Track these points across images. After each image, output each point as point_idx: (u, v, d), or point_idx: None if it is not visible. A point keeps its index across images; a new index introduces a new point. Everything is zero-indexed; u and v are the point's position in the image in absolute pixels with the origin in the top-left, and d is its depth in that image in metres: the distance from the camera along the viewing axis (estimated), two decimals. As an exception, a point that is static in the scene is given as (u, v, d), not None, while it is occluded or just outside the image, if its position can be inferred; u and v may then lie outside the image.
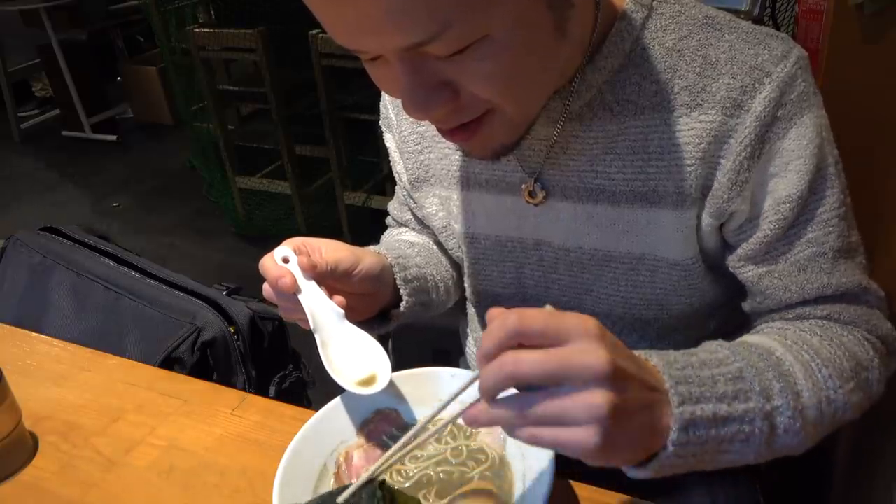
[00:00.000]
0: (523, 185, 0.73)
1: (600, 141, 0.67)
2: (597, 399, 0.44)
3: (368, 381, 0.65)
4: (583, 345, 0.45)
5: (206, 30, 2.58)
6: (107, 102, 4.21)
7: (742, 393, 0.53)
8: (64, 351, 0.93)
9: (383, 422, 0.70)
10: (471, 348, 0.93)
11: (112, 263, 1.11)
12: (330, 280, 0.69)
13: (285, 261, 0.68)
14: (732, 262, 0.70)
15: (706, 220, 0.67)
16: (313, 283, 0.67)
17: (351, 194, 2.68)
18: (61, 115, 4.21)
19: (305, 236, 0.71)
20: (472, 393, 0.71)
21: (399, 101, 0.82)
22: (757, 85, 0.62)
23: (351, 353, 0.67)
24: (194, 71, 2.67)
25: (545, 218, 0.73)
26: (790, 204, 0.64)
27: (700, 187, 0.65)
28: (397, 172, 0.88)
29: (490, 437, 0.68)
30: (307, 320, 0.67)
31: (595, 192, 0.69)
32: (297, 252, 0.69)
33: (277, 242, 0.69)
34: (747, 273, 0.69)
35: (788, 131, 0.63)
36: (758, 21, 1.31)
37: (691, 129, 0.64)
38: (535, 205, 0.73)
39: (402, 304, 0.77)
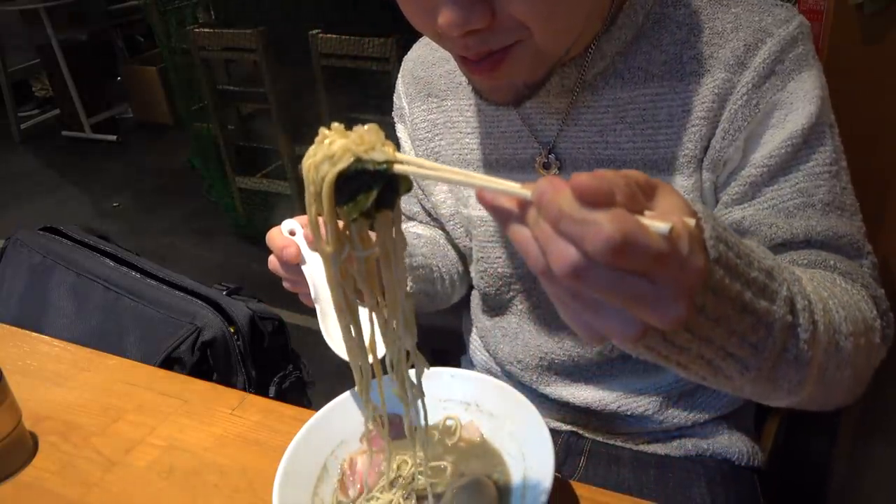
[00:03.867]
0: (537, 158, 0.74)
1: (610, 111, 0.70)
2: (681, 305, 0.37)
3: None
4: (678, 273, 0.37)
5: (206, 30, 2.58)
6: (107, 102, 4.21)
7: (770, 291, 0.45)
8: (64, 351, 0.93)
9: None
10: (474, 343, 0.93)
11: (112, 263, 1.11)
12: None
13: (292, 234, 0.69)
14: (718, 209, 0.70)
15: (705, 176, 0.68)
16: (316, 255, 0.68)
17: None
18: (61, 115, 4.21)
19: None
20: (473, 392, 0.71)
21: (412, 91, 0.85)
22: (759, 44, 0.65)
23: None
24: (194, 71, 2.67)
25: None
26: (782, 143, 0.65)
27: (704, 148, 0.67)
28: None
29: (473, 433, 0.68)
30: (309, 295, 0.68)
31: (605, 162, 0.71)
32: (304, 224, 0.70)
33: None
34: (734, 215, 0.67)
35: (787, 84, 0.65)
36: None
37: (699, 94, 0.66)
38: (552, 174, 0.73)
39: (409, 285, 0.77)
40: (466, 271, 0.92)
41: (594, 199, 0.34)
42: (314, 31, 2.35)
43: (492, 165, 0.78)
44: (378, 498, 0.63)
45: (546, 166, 0.73)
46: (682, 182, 0.69)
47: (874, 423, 0.81)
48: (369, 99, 2.49)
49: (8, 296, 1.15)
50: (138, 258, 1.14)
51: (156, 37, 2.81)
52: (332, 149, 0.42)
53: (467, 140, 0.80)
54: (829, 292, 0.54)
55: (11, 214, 3.35)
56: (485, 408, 0.69)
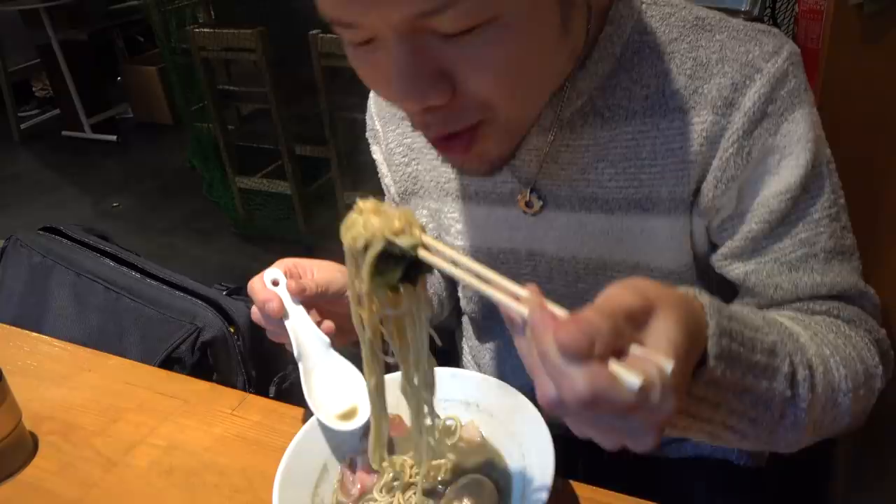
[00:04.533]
0: (519, 196, 0.71)
1: (591, 149, 0.66)
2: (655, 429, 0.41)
3: (349, 414, 0.66)
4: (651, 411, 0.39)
5: (206, 30, 2.57)
6: (107, 102, 4.21)
7: (771, 369, 0.49)
8: (64, 351, 0.93)
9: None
10: (466, 357, 0.93)
11: (112, 263, 1.11)
12: (320, 302, 0.68)
13: (275, 283, 0.67)
14: (718, 260, 0.68)
15: (695, 220, 0.66)
16: (301, 309, 0.67)
17: (351, 194, 2.68)
18: (61, 115, 4.21)
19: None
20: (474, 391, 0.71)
21: (385, 113, 0.80)
22: (747, 81, 0.60)
23: (333, 385, 0.67)
24: (194, 71, 2.67)
25: (538, 228, 0.72)
26: (779, 199, 0.62)
27: (692, 191, 0.64)
28: (385, 185, 0.86)
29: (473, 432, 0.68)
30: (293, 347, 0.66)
31: (588, 200, 0.68)
32: (288, 274, 0.68)
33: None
34: (734, 271, 0.67)
35: (779, 127, 0.61)
36: (757, 21, 1.31)
37: (684, 132, 0.62)
38: (533, 214, 0.71)
39: None
40: (453, 288, 0.91)
41: (573, 354, 0.37)
42: (314, 31, 2.35)
43: (471, 197, 0.74)
44: (378, 499, 0.63)
45: (529, 204, 0.70)
46: (670, 223, 0.66)
47: (875, 423, 0.81)
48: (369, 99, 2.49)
49: (8, 296, 1.15)
50: (138, 258, 1.14)
51: (156, 37, 2.81)
52: (369, 229, 0.48)
53: (444, 168, 0.76)
54: (831, 348, 0.57)
55: (11, 214, 3.35)
56: (485, 408, 0.69)
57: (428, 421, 0.57)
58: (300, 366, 0.66)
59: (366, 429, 0.69)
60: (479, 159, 0.59)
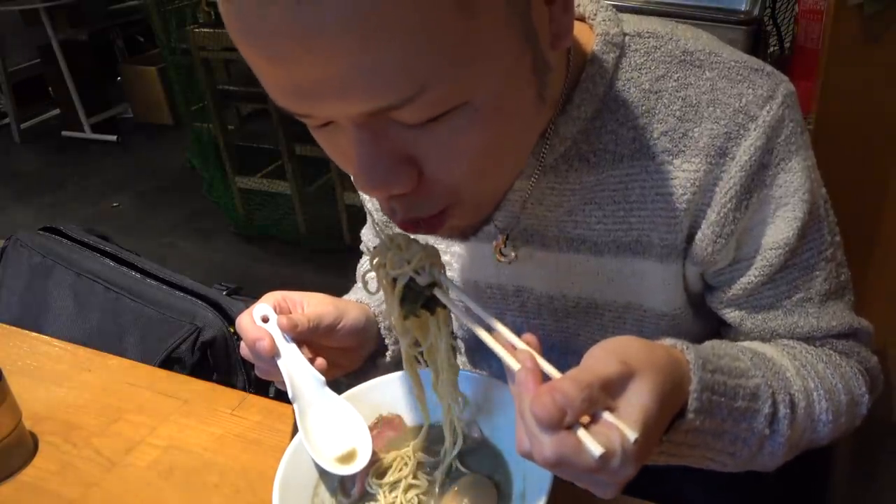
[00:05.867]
0: (494, 243, 0.67)
1: (578, 192, 0.62)
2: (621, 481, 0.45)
3: (348, 457, 0.63)
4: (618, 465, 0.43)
5: (206, 30, 2.57)
6: (107, 102, 4.20)
7: (751, 412, 0.53)
8: (64, 351, 0.93)
9: (386, 427, 0.69)
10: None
11: (112, 263, 1.11)
12: (312, 336, 0.66)
13: (265, 320, 0.65)
14: (714, 303, 0.68)
15: (690, 267, 0.64)
16: (293, 346, 0.64)
17: (351, 194, 2.67)
18: (61, 115, 4.21)
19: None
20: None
21: None
22: (742, 131, 0.57)
23: (330, 425, 0.65)
24: (194, 71, 2.67)
25: (524, 266, 0.69)
26: (778, 251, 0.61)
27: (685, 238, 0.62)
28: (368, 210, 0.83)
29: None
30: (285, 384, 0.64)
31: (576, 241, 0.65)
32: (277, 309, 0.65)
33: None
34: (731, 315, 0.67)
35: (776, 178, 0.59)
36: (757, 21, 1.31)
37: (674, 177, 0.60)
38: (509, 263, 0.67)
39: (388, 353, 0.75)
40: None
41: (545, 425, 0.42)
42: (314, 31, 2.34)
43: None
44: (378, 498, 0.63)
45: (503, 253, 0.66)
46: (662, 268, 0.64)
47: (875, 423, 0.81)
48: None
49: (8, 296, 1.15)
50: (138, 258, 1.14)
51: (156, 37, 2.81)
52: (395, 264, 0.54)
53: None
54: (816, 381, 0.61)
55: (11, 214, 3.35)
56: (485, 407, 0.69)
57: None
58: (295, 406, 0.64)
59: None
60: (450, 231, 0.55)
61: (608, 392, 0.44)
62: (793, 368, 0.60)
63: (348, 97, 0.40)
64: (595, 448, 0.41)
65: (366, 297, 0.76)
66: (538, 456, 0.43)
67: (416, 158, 0.46)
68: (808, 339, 0.66)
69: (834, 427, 0.60)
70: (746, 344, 0.65)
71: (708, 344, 0.57)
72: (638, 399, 0.44)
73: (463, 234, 0.58)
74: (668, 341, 0.52)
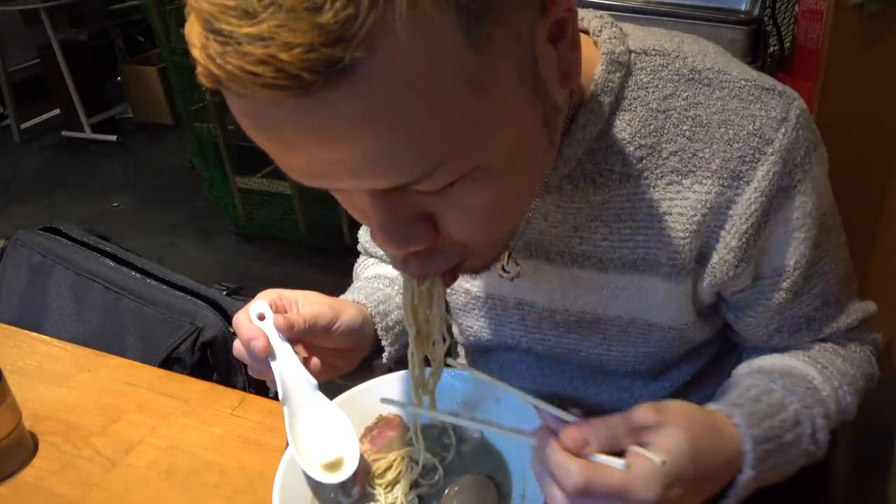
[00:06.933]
0: (497, 263, 0.66)
1: (584, 210, 0.62)
2: None
3: (334, 465, 0.63)
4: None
5: (206, 30, 2.57)
6: (107, 102, 4.20)
7: (797, 437, 0.59)
8: (64, 351, 0.93)
9: (386, 427, 0.69)
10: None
11: (112, 263, 1.11)
12: (308, 337, 0.65)
13: (261, 317, 0.64)
14: (738, 324, 0.69)
15: (705, 288, 0.63)
16: (287, 347, 0.64)
17: (351, 194, 2.67)
18: (61, 115, 4.21)
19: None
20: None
21: None
22: (757, 154, 0.57)
23: (319, 431, 0.64)
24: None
25: (527, 280, 0.68)
26: (800, 270, 0.62)
27: (695, 258, 0.62)
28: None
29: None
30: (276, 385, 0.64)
31: (581, 257, 0.64)
32: (274, 308, 0.65)
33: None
34: (757, 332, 0.68)
35: (794, 199, 0.59)
36: (757, 21, 1.31)
37: (685, 198, 0.59)
38: (511, 279, 0.67)
39: (385, 355, 0.74)
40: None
41: (570, 449, 0.48)
42: (314, 31, 2.34)
43: None
44: (378, 498, 0.63)
45: (505, 270, 0.66)
46: (669, 286, 0.63)
47: (875, 423, 0.81)
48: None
49: (8, 296, 1.15)
50: (138, 258, 1.14)
51: (156, 37, 2.81)
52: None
53: None
54: (839, 378, 0.65)
55: (11, 214, 3.35)
56: (484, 407, 0.69)
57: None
58: (285, 409, 0.63)
59: (366, 430, 0.69)
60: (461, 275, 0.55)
61: (637, 435, 0.49)
62: (818, 375, 0.64)
63: (363, 178, 0.40)
64: (618, 462, 0.46)
65: (362, 298, 0.75)
66: (566, 482, 0.47)
67: (433, 216, 0.46)
68: (828, 339, 0.68)
69: (856, 407, 0.66)
70: (768, 362, 0.68)
71: (741, 386, 0.62)
72: (667, 439, 0.48)
73: (474, 271, 0.56)
74: (710, 406, 0.57)
